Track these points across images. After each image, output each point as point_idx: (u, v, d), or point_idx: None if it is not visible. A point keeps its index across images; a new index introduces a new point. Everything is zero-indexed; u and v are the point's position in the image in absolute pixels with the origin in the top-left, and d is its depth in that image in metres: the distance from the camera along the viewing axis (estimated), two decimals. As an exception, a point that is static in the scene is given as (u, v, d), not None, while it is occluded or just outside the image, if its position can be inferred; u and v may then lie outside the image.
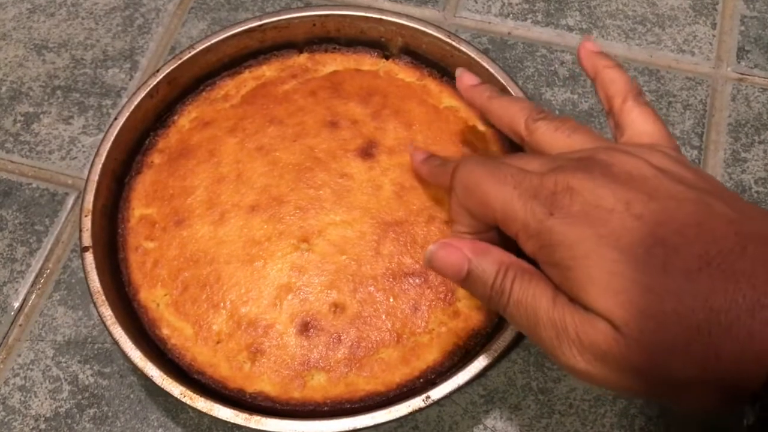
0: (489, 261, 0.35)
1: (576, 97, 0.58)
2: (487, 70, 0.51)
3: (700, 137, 0.57)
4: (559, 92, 0.59)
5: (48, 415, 0.48)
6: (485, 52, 0.54)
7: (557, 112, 0.58)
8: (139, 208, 0.50)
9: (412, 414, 0.41)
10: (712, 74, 0.59)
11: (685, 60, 0.60)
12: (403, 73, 0.55)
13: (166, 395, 0.44)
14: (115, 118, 0.50)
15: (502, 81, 0.51)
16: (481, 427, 0.47)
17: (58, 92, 0.60)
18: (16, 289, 0.52)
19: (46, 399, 0.48)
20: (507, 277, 0.34)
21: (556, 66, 0.60)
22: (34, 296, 0.52)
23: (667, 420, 0.47)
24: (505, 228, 0.35)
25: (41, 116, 0.59)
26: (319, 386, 0.44)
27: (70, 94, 0.60)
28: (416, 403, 0.41)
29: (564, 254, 0.32)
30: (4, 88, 0.60)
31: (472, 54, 0.52)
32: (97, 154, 0.49)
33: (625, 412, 0.47)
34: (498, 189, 0.35)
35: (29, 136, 0.58)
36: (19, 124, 0.59)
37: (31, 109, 0.59)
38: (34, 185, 0.56)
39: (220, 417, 0.41)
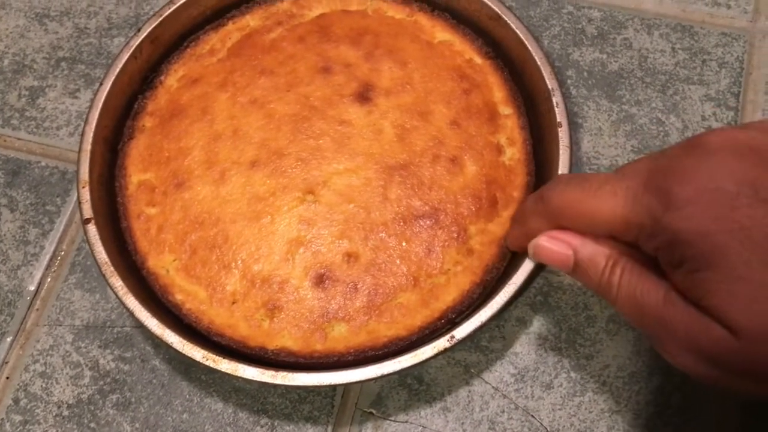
0: (596, 253, 0.34)
1: (605, 56, 0.55)
2: (511, 27, 0.49)
3: (736, 97, 0.54)
4: (587, 52, 0.56)
5: (71, 402, 0.47)
6: (510, 9, 0.51)
7: (585, 74, 0.55)
8: (136, 174, 0.48)
9: (438, 356, 0.40)
10: (749, 29, 0.56)
11: (720, 14, 0.57)
12: (393, 10, 0.53)
13: (190, 380, 0.43)
14: (101, 84, 0.48)
15: (526, 42, 0.48)
16: (512, 406, 0.46)
17: (63, 64, 0.57)
18: (31, 273, 0.51)
19: (67, 385, 0.48)
20: (614, 272, 0.33)
21: (584, 24, 0.56)
22: (49, 279, 0.51)
23: (701, 397, 0.45)
24: (622, 237, 0.33)
25: (47, 90, 0.56)
26: (340, 337, 0.43)
27: (76, 65, 0.57)
28: (441, 344, 0.40)
29: (685, 253, 0.28)
30: (6, 61, 0.57)
31: (494, 6, 0.49)
32: (86, 122, 0.47)
33: (660, 389, 0.46)
34: (601, 202, 0.32)
35: (35, 112, 0.56)
36: (24, 99, 0.56)
37: (35, 83, 0.57)
38: (43, 163, 0.54)
39: (245, 376, 0.40)
